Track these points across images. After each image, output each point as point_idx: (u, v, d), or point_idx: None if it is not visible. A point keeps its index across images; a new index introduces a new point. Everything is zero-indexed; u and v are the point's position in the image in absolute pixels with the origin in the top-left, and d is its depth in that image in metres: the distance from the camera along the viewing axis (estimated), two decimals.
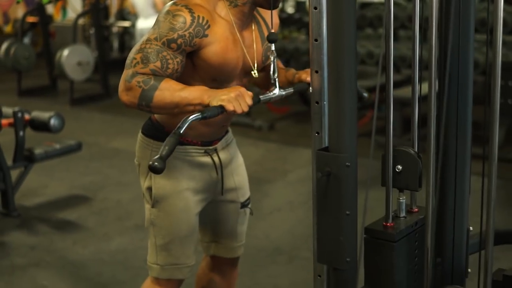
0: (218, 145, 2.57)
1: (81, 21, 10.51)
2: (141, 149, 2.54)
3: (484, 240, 1.92)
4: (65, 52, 8.64)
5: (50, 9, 12.53)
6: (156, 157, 2.02)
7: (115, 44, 11.23)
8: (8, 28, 12.79)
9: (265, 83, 2.54)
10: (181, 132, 2.07)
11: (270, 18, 2.35)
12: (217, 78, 2.36)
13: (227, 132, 2.65)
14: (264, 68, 2.52)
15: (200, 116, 2.13)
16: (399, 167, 2.04)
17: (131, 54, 2.27)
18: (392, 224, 2.00)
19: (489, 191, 1.78)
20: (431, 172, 1.91)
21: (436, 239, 2.08)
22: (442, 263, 2.15)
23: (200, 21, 2.25)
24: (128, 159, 6.34)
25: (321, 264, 2.11)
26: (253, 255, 4.11)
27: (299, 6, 10.15)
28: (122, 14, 11.42)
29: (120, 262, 4.15)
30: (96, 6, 9.53)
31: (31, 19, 10.85)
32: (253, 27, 2.45)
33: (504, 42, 6.45)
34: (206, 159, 2.53)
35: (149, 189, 2.52)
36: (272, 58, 2.32)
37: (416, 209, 2.14)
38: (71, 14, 12.30)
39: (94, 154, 6.61)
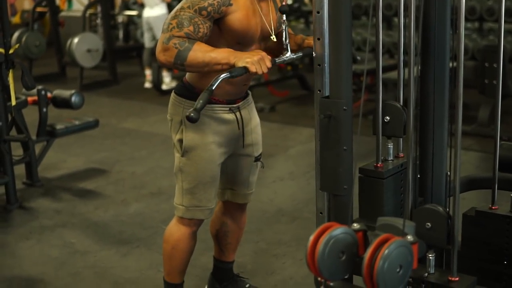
0: (240, 104, 3.01)
1: (88, 11, 10.91)
2: (174, 106, 2.98)
3: (460, 183, 2.32)
4: (75, 39, 9.06)
5: None
6: (192, 109, 2.47)
7: (120, 33, 11.64)
8: (15, 19, 13.18)
9: (278, 48, 2.97)
10: (213, 88, 2.53)
11: None
12: (241, 41, 2.79)
13: (247, 94, 3.09)
14: (276, 35, 2.96)
15: (229, 75, 2.56)
16: (387, 118, 2.48)
17: (167, 21, 2.72)
18: (381, 165, 2.45)
19: (456, 144, 2.19)
20: (411, 122, 2.34)
21: (420, 181, 2.52)
22: (423, 202, 2.57)
23: None
24: (139, 138, 6.84)
25: (323, 204, 2.55)
26: (259, 216, 4.56)
27: None
28: (127, 4, 11.83)
29: (138, 223, 4.59)
30: None
31: (39, 9, 11.24)
32: None
33: (491, 29, 6.99)
34: (230, 116, 2.96)
35: (180, 141, 2.95)
36: (283, 27, 2.79)
37: (402, 155, 2.58)
38: (77, 5, 12.71)
39: (107, 133, 7.05)
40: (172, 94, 3.00)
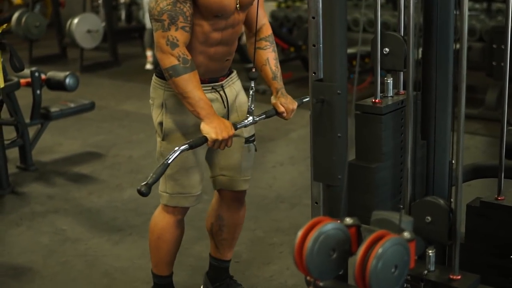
0: (224, 82, 2.88)
1: None
2: (154, 89, 2.85)
3: (463, 172, 2.15)
4: (75, 20, 8.88)
5: None
6: (144, 183, 2.45)
7: (123, 14, 11.46)
8: (17, 0, 13.01)
9: (250, 20, 2.90)
10: (169, 162, 2.51)
11: None
12: (219, 13, 2.67)
13: (231, 71, 2.94)
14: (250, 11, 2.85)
15: (187, 147, 2.56)
16: (387, 49, 2.30)
17: (156, 14, 2.61)
18: (380, 101, 2.26)
19: (459, 129, 2.03)
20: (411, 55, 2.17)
21: (422, 170, 2.35)
22: (426, 190, 2.41)
23: None
24: (138, 121, 6.67)
25: (318, 193, 2.39)
26: (257, 202, 4.41)
27: None
28: None
29: (132, 210, 4.45)
30: None
31: None
32: None
33: (499, 10, 6.78)
34: (214, 95, 2.83)
35: (161, 124, 2.83)
36: (250, 92, 2.77)
37: (402, 92, 2.39)
38: None
39: (105, 116, 6.90)
40: (153, 76, 2.88)
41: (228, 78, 2.92)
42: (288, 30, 9.03)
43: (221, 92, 2.87)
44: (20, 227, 4.23)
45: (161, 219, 2.96)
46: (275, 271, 3.57)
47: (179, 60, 2.61)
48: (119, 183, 4.95)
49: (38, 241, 4.04)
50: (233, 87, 2.95)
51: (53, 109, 5.36)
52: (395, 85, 2.43)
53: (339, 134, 2.11)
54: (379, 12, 2.30)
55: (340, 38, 2.10)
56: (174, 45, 2.61)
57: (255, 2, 2.83)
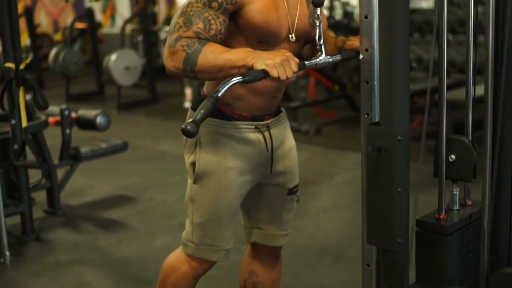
0: (270, 122, 2.49)
1: (129, 28, 10.57)
2: None
3: None
4: (113, 56, 8.68)
5: (99, 16, 12.65)
6: (189, 120, 1.95)
7: (163, 50, 11.25)
8: (58, 36, 12.94)
9: (314, 53, 2.45)
10: (219, 95, 1.98)
11: None
12: (263, 39, 2.29)
13: (280, 110, 2.58)
14: (312, 36, 2.43)
15: (241, 80, 2.01)
16: (453, 156, 1.98)
17: (173, 20, 2.25)
18: (445, 217, 1.94)
19: None
20: (488, 163, 1.83)
21: (492, 235, 1.99)
22: (497, 261, 2.05)
23: None
24: (175, 161, 6.35)
25: (370, 253, 2.03)
26: (299, 254, 4.03)
27: (348, 12, 10.07)
28: (170, 20, 11.46)
29: (163, 260, 4.08)
30: (143, 12, 9.57)
31: (80, 25, 10.95)
32: None
33: None
34: (257, 136, 2.45)
35: (193, 164, 2.46)
36: (317, 23, 2.21)
37: (470, 202, 2.07)
38: (120, 22, 12.40)
39: (140, 156, 6.60)
40: (189, 110, 2.51)
41: (275, 117, 2.53)
42: (333, 69, 8.69)
43: (266, 133, 2.48)
44: (41, 278, 3.90)
45: (179, 267, 2.59)
46: None
47: (184, 50, 2.17)
48: (150, 230, 4.60)
49: None
50: (280, 129, 2.55)
51: (83, 150, 5.06)
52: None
53: (399, 189, 1.74)
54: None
55: (402, 74, 1.74)
56: (175, 41, 2.19)
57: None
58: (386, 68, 1.77)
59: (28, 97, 4.15)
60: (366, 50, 2.01)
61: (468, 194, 2.09)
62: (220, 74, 2.17)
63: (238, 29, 2.29)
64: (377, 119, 1.96)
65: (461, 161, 1.97)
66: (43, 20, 13.11)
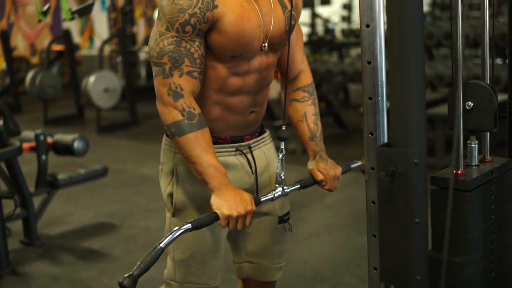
0: (252, 143, 2.28)
1: (108, 49, 10.34)
2: (164, 152, 2.29)
3: None
4: (92, 78, 8.45)
5: (77, 38, 12.43)
6: (127, 274, 1.83)
7: (143, 71, 11.01)
8: (35, 59, 12.67)
9: (284, 65, 2.29)
10: (163, 246, 1.87)
11: None
12: (236, 53, 2.09)
13: (263, 130, 2.36)
14: (275, 43, 2.22)
15: (190, 227, 1.93)
16: (470, 103, 1.77)
17: (155, 56, 2.06)
18: (464, 172, 1.72)
19: None
20: None
21: None
22: None
23: None
24: (157, 186, 5.97)
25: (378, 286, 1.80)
26: (291, 282, 3.80)
27: (329, 29, 9.89)
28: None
29: None
30: (122, 32, 9.34)
31: (57, 47, 10.70)
32: None
33: None
34: (238, 159, 2.24)
35: (171, 195, 2.25)
36: (280, 156, 2.11)
37: (490, 159, 1.86)
38: (99, 44, 12.16)
39: (121, 181, 6.34)
40: (163, 137, 2.30)
41: (258, 138, 2.31)
42: (317, 85, 8.49)
43: (249, 156, 2.26)
44: None
45: None
46: None
47: (183, 115, 2.03)
48: (134, 259, 4.34)
49: None
50: (264, 150, 2.33)
51: (61, 176, 4.80)
52: (480, 149, 1.88)
53: (417, 220, 1.52)
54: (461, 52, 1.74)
55: (417, 86, 1.52)
56: (177, 95, 2.03)
57: (292, 42, 2.27)
58: (397, 82, 1.55)
59: (0, 122, 3.91)
60: (369, 62, 1.80)
61: (486, 149, 1.88)
62: (189, 164, 2.07)
63: (209, 47, 2.10)
64: (383, 139, 1.75)
65: (479, 108, 1.77)
66: (20, 43, 12.84)
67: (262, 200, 2.09)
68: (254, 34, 2.10)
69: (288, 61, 2.18)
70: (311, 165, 2.30)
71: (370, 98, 1.80)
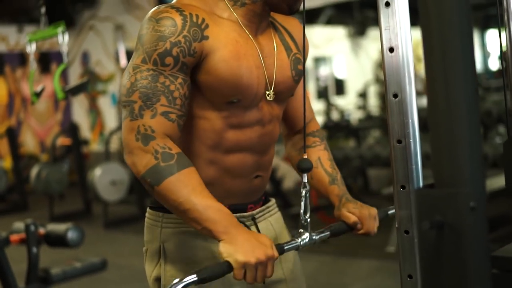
0: (256, 213, 1.86)
1: (116, 141, 10.07)
2: (148, 229, 1.89)
3: None
4: (98, 171, 8.11)
5: (87, 133, 12.24)
6: None
7: None
8: (44, 157, 12.42)
9: (290, 116, 1.96)
10: None
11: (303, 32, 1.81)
12: (233, 99, 1.71)
13: (268, 199, 1.94)
14: (280, 92, 1.83)
15: (196, 279, 1.50)
16: None
17: (124, 94, 1.66)
18: None
19: None
20: None
21: None
22: None
23: (194, 19, 1.66)
24: None
25: None
26: None
27: (344, 114, 9.58)
28: None
29: None
30: None
31: (66, 141, 10.46)
32: (272, 34, 1.82)
33: None
34: None
35: (158, 280, 1.83)
36: (303, 193, 1.69)
37: None
38: None
39: (125, 277, 5.89)
40: (147, 211, 1.89)
41: (263, 207, 1.91)
42: None
43: (253, 228, 1.85)
44: None
45: None
46: None
47: (156, 158, 1.60)
48: None
49: None
50: (271, 221, 1.92)
51: (54, 271, 4.34)
52: None
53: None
54: None
55: (470, 109, 1.10)
56: (147, 137, 1.62)
57: (299, 93, 1.89)
58: (440, 100, 1.13)
59: None
60: (395, 96, 1.40)
61: None
62: (178, 214, 1.63)
63: (199, 90, 1.71)
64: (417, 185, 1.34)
65: None
66: (29, 141, 12.63)
67: (285, 248, 1.66)
68: (253, 75, 1.71)
69: (305, 107, 1.78)
70: (338, 210, 1.90)
71: (399, 142, 1.40)
